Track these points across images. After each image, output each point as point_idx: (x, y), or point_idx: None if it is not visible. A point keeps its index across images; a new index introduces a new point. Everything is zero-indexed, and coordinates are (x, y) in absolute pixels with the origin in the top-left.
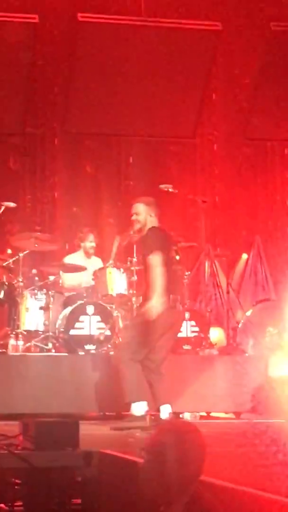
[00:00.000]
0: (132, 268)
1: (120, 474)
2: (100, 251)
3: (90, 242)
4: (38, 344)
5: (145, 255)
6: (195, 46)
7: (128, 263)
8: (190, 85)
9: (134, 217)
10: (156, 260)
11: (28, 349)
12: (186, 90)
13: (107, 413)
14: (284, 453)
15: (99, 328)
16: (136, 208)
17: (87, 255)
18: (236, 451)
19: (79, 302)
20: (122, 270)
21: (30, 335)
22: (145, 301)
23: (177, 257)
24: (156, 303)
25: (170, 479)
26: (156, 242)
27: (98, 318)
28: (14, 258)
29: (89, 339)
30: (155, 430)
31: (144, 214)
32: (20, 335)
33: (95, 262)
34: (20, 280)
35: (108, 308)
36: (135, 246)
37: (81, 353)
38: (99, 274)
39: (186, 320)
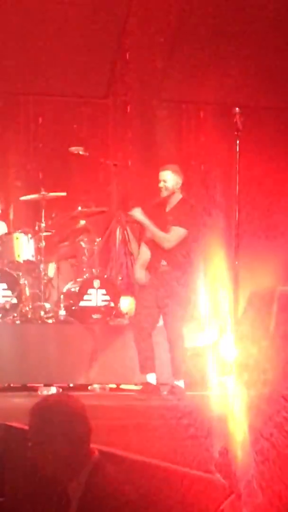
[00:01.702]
0: (41, 233)
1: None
2: (5, 216)
3: None
4: None
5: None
6: (108, 2)
7: (36, 227)
8: (103, 43)
9: (161, 184)
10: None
11: None
12: (98, 48)
13: (12, 385)
14: (196, 427)
15: (4, 296)
16: (164, 175)
17: None
18: (147, 424)
19: None
20: (29, 235)
21: None
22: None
23: (83, 222)
24: None
25: (55, 455)
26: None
27: (4, 285)
28: None
29: None
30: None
31: (172, 182)
32: None
33: (0, 227)
34: None
35: (15, 275)
36: (43, 211)
37: None
38: (5, 240)
39: (96, 289)
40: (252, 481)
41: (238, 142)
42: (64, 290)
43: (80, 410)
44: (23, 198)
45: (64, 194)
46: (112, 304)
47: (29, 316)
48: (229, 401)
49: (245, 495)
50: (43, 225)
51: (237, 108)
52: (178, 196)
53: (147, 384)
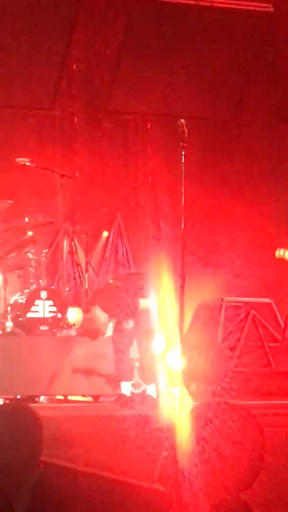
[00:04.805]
0: None
1: None
2: None
3: None
4: None
5: None
6: (54, 13)
7: None
8: (49, 54)
9: None
10: None
11: None
12: (44, 59)
13: None
14: (143, 438)
15: None
16: None
17: None
18: (95, 435)
19: None
20: None
21: None
22: None
23: (30, 233)
24: None
25: (3, 466)
26: None
27: None
28: None
29: None
30: None
31: None
32: None
33: None
34: None
35: None
36: None
37: None
38: None
39: (44, 300)
40: (198, 491)
41: (183, 152)
42: (11, 301)
43: (34, 421)
44: None
45: (10, 201)
46: (59, 315)
47: None
48: (176, 412)
49: (191, 506)
50: None
51: (182, 119)
52: None
53: (120, 395)
